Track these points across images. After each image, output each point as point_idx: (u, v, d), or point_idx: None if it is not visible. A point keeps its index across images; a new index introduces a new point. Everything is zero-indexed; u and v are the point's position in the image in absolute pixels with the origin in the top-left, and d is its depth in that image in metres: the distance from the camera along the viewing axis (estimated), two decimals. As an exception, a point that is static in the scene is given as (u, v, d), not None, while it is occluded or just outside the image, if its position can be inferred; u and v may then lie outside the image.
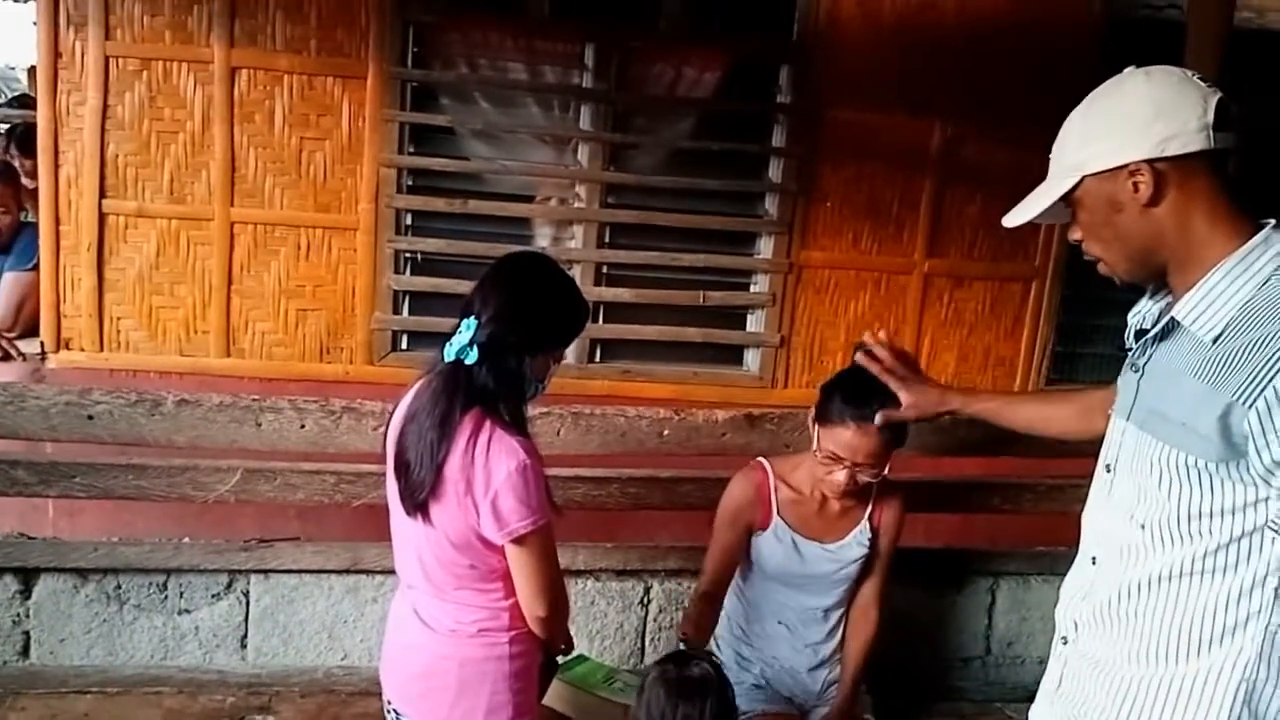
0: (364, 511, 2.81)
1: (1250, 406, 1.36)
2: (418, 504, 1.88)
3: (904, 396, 2.24)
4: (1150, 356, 1.57)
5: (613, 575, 3.20)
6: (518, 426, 1.88)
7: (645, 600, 3.23)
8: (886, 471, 2.35)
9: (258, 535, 3.09)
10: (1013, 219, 1.66)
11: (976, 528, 3.59)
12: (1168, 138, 1.44)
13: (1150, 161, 1.46)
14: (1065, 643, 1.72)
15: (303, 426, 2.74)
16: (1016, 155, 3.58)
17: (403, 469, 1.90)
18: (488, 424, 1.85)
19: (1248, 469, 1.40)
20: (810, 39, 3.71)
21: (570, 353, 3.75)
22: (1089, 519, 1.71)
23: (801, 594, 2.50)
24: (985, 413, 2.29)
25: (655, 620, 3.21)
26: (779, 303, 3.89)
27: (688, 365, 3.93)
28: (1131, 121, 1.48)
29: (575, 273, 3.72)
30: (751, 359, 3.98)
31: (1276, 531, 1.42)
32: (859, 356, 2.30)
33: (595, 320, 3.79)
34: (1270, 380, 1.35)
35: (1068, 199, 1.57)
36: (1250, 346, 1.38)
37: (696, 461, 2.97)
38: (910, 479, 2.73)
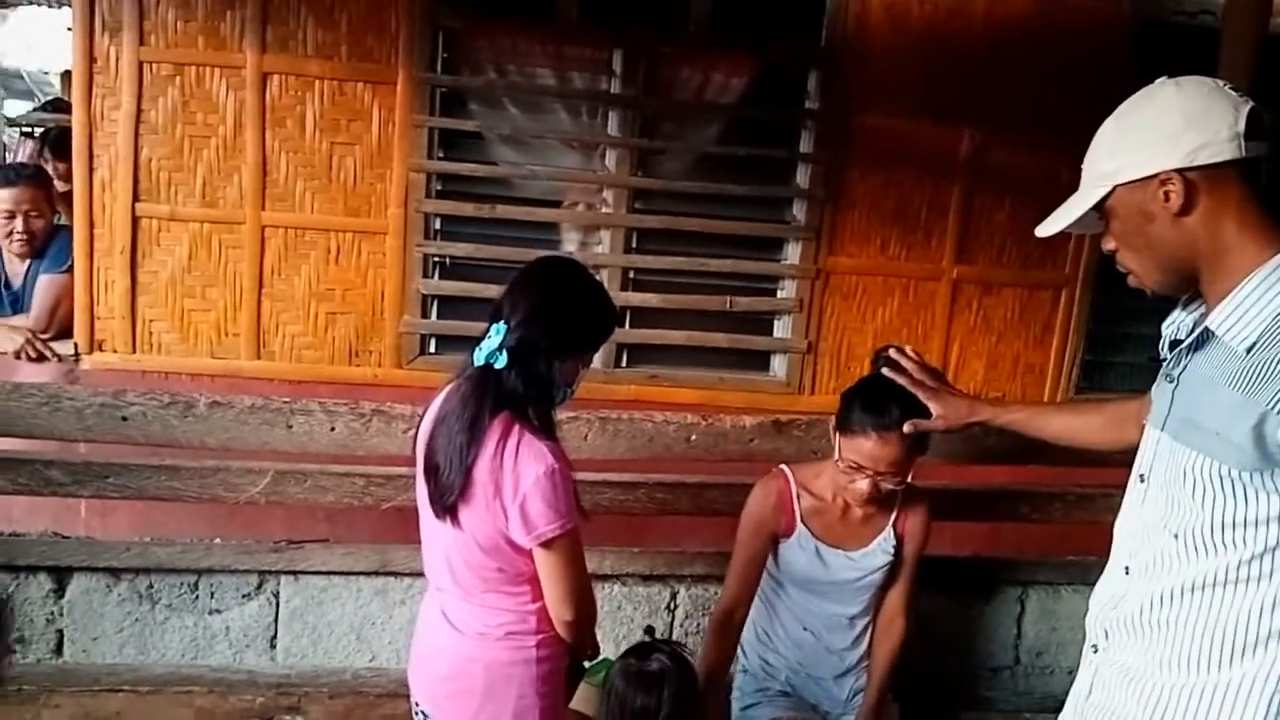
0: (393, 514, 2.83)
1: None
2: (447, 507, 1.89)
3: (934, 408, 2.24)
4: (1185, 366, 1.57)
5: (639, 580, 3.21)
6: (546, 431, 1.90)
7: (672, 605, 3.23)
8: (909, 479, 2.35)
9: (288, 537, 3.12)
10: (1045, 229, 1.67)
11: (1005, 536, 3.56)
12: (1198, 147, 1.45)
13: (1181, 171, 1.46)
14: (1095, 651, 1.72)
15: (333, 429, 2.76)
16: (1045, 162, 3.63)
17: (432, 472, 1.91)
18: (516, 428, 1.86)
19: (1277, 478, 1.41)
20: (838, 44, 3.71)
21: (597, 357, 3.74)
22: (1121, 528, 1.70)
23: (826, 601, 2.49)
24: (1015, 424, 2.29)
25: (682, 625, 3.21)
26: (806, 309, 3.88)
27: (714, 371, 3.93)
28: (1162, 131, 1.48)
29: (602, 278, 3.72)
30: (779, 365, 3.98)
31: None
32: (886, 370, 2.30)
33: (622, 325, 3.79)
34: None
35: (1100, 209, 1.58)
36: None
37: (724, 467, 2.97)
38: (937, 487, 2.72)
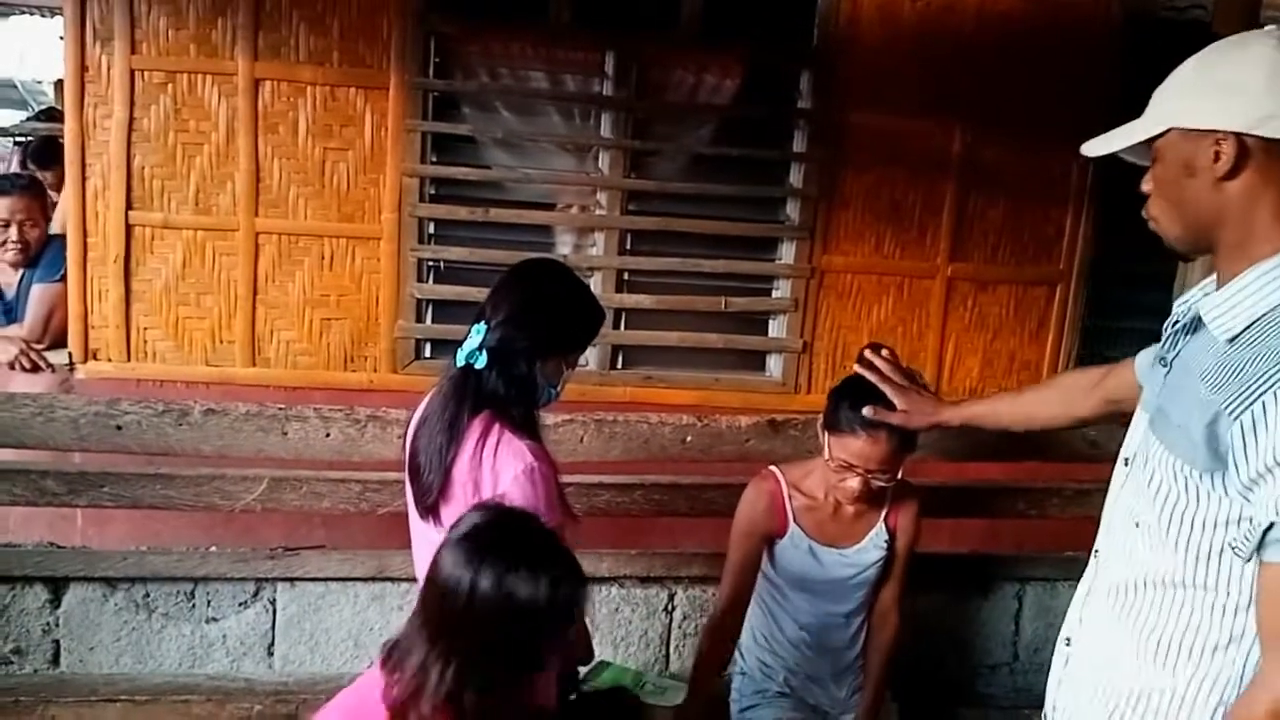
0: (389, 519, 2.82)
1: (1235, 419, 1.31)
2: (429, 507, 1.90)
3: (898, 402, 2.24)
4: (1178, 351, 1.52)
5: (637, 582, 3.19)
6: (528, 430, 1.89)
7: (669, 607, 3.22)
8: (900, 475, 2.35)
9: (284, 544, 3.11)
10: (1093, 147, 1.56)
11: (1002, 533, 3.56)
12: (1268, 115, 1.36)
13: (1240, 134, 1.37)
14: (1069, 644, 1.71)
15: (328, 435, 2.75)
16: (1038, 157, 3.63)
17: (415, 472, 1.92)
18: (496, 427, 1.86)
19: (1227, 482, 1.35)
20: (830, 44, 3.71)
21: (592, 359, 3.76)
22: (1104, 514, 1.68)
23: (822, 600, 2.49)
24: (974, 419, 2.28)
25: (680, 627, 3.20)
26: (801, 308, 3.88)
27: (710, 371, 3.92)
28: (1237, 87, 1.38)
29: (596, 279, 3.74)
30: (774, 365, 3.97)
31: (1234, 552, 1.37)
32: (858, 367, 2.32)
33: (617, 327, 3.80)
34: (1260, 396, 1.29)
35: (1151, 145, 1.50)
36: (1255, 358, 1.33)
37: (720, 468, 2.97)
38: (934, 484, 2.72)
